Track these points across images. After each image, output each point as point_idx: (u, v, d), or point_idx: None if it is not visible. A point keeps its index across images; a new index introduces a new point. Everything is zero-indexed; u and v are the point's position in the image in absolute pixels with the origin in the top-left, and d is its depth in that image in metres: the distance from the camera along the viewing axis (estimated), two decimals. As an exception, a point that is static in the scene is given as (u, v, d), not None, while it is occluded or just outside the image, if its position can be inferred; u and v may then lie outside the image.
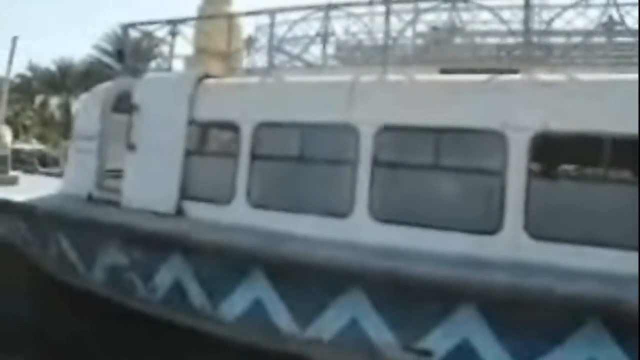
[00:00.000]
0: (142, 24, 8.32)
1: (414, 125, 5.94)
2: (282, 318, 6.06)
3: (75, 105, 39.41)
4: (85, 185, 8.03)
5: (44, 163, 20.98)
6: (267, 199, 6.60)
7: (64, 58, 38.69)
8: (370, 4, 6.85)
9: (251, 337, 6.27)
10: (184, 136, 7.07)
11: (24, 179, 10.15)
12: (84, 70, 37.37)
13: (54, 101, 38.36)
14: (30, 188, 9.31)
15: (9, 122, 37.26)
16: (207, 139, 7.22)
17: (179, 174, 7.04)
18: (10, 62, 13.59)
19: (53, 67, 39.00)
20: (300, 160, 6.45)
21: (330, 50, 7.88)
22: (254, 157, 6.67)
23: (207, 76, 7.41)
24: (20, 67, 43.40)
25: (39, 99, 38.75)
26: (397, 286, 5.29)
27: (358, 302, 5.59)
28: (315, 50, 7.67)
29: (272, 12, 7.18)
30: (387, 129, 6.03)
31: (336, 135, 6.32)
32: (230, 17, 7.51)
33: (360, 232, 5.93)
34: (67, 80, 37.64)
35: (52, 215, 7.77)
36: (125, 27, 8.30)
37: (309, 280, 5.75)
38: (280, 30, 7.51)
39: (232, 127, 6.84)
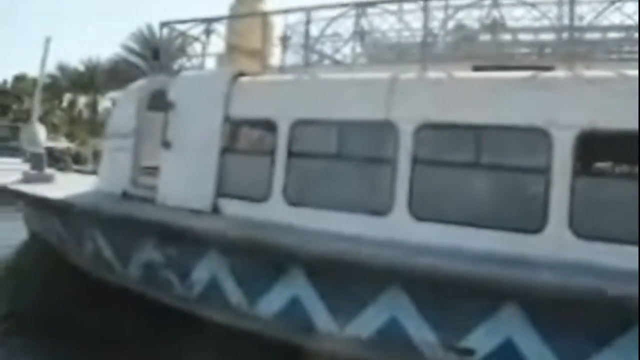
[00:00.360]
0: (177, 22, 8.34)
1: (455, 122, 5.87)
2: (321, 316, 6.03)
3: (102, 104, 40.07)
4: (120, 182, 8.10)
5: (77, 161, 21.25)
6: (304, 197, 6.58)
7: (92, 58, 39.24)
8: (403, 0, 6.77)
9: (288, 335, 6.26)
10: (220, 133, 7.09)
11: (59, 176, 10.28)
12: (110, 69, 37.81)
13: (82, 100, 38.92)
14: (65, 185, 9.44)
15: (39, 120, 37.99)
16: (242, 136, 7.23)
17: (214, 171, 7.06)
18: (43, 62, 13.85)
19: (81, 67, 39.53)
20: (338, 157, 6.42)
21: (358, 48, 7.87)
22: (291, 154, 6.65)
23: (242, 74, 7.42)
24: (49, 66, 44.16)
25: (67, 98, 39.33)
26: (438, 285, 5.22)
27: (398, 300, 5.54)
28: (344, 49, 7.73)
29: (307, 10, 7.15)
30: (427, 126, 5.97)
31: (375, 132, 6.28)
32: (265, 15, 7.52)
33: (399, 230, 5.87)
34: (95, 79, 38.12)
35: (88, 213, 7.85)
36: (161, 26, 8.33)
37: (348, 279, 5.71)
38: (312, 28, 7.54)
39: (268, 125, 6.83)
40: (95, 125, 37.86)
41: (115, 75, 36.19)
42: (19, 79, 44.34)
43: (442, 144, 6.11)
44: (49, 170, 10.06)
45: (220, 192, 7.05)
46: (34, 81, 44.32)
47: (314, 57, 7.91)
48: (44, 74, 16.42)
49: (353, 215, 6.15)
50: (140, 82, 8.72)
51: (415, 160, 5.95)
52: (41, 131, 11.03)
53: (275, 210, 6.63)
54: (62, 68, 41.40)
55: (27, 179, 9.50)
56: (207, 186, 7.07)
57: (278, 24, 8.49)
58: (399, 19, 7.07)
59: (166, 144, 7.45)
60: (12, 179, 9.93)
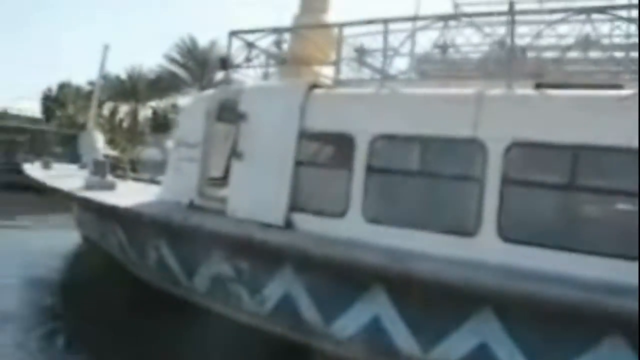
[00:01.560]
0: (246, 32, 8.25)
1: (547, 142, 5.60)
2: (403, 338, 5.81)
3: (143, 113, 40.58)
4: (187, 192, 8.01)
5: (133, 169, 21.49)
6: (383, 214, 6.37)
7: (134, 67, 39.75)
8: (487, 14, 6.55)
9: (366, 356, 6.06)
10: (294, 146, 6.93)
11: (120, 184, 10.27)
12: (153, 79, 38.31)
13: (123, 109, 39.45)
14: (127, 193, 9.41)
15: (80, 127, 38.60)
16: (318, 149, 7.06)
17: (288, 184, 6.90)
18: (101, 69, 14.02)
19: (124, 76, 40.10)
20: (421, 174, 6.22)
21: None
22: (370, 169, 6.45)
23: (316, 86, 7.27)
24: (92, 75, 44.96)
25: (108, 106, 39.90)
26: (535, 311, 4.97)
27: (489, 325, 5.29)
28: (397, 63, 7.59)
29: (385, 21, 6.97)
30: (518, 145, 5.71)
31: (461, 150, 6.05)
32: (341, 26, 7.34)
33: (487, 251, 5.61)
34: (137, 88, 38.65)
35: (155, 222, 7.77)
36: (230, 35, 8.25)
37: (435, 300, 5.49)
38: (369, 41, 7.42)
39: (346, 139, 6.65)
40: (133, 134, 38.32)
41: (157, 85, 36.74)
42: (64, 86, 45.17)
43: (534, 164, 5.85)
44: (110, 178, 10.02)
45: (294, 206, 6.89)
46: (78, 89, 45.45)
47: (366, 72, 7.77)
48: (100, 81, 16.62)
49: (437, 234, 5.91)
50: (208, 92, 8.65)
51: (505, 180, 5.69)
52: (99, 138, 11.06)
53: (353, 227, 6.42)
54: (104, 77, 42.15)
55: (89, 186, 9.49)
56: (280, 200, 6.92)
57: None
58: (478, 32, 6.79)
59: (238, 155, 7.33)
60: (75, 185, 9.96)
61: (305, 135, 6.95)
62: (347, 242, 6.24)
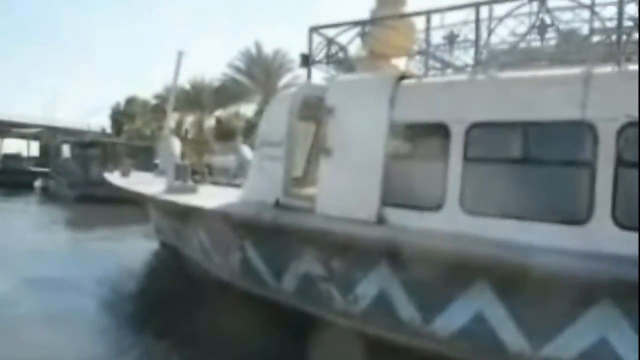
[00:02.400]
0: (326, 27, 8.10)
1: None
2: (510, 334, 5.46)
3: (208, 123, 41.40)
4: (272, 191, 7.90)
5: (210, 174, 21.89)
6: (484, 205, 6.02)
7: (197, 77, 40.66)
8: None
9: (470, 354, 5.73)
10: (385, 139, 6.69)
11: (200, 188, 10.32)
12: (217, 88, 39.04)
13: (189, 119, 40.36)
14: (209, 196, 9.42)
15: (147, 138, 39.71)
16: (410, 141, 6.75)
17: (380, 179, 6.67)
18: (176, 76, 14.20)
19: (187, 86, 41.07)
20: (524, 162, 5.82)
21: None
22: (467, 159, 6.13)
23: (404, 77, 7.02)
24: (157, 88, 46.33)
25: (174, 117, 40.89)
26: None
27: (609, 319, 4.88)
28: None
29: (477, 5, 6.65)
30: (632, 125, 5.27)
31: (568, 134, 5.64)
32: (429, 13, 7.06)
33: (601, 240, 5.18)
34: (202, 98, 39.49)
35: (240, 222, 7.69)
36: (310, 31, 8.12)
37: (548, 294, 5.10)
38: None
39: (440, 129, 6.36)
40: (199, 143, 39.09)
41: (223, 94, 37.39)
42: (130, 101, 46.81)
43: None
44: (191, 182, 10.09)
45: (386, 201, 6.64)
46: (144, 102, 46.95)
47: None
48: (175, 87, 16.90)
49: (544, 224, 5.53)
50: (290, 90, 8.55)
51: (619, 163, 5.26)
52: (177, 144, 11.16)
53: (451, 220, 6.12)
54: (168, 89, 43.29)
55: (171, 190, 9.57)
56: (372, 195, 6.69)
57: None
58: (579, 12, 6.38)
59: (326, 151, 7.15)
60: (156, 189, 10.08)
61: (395, 128, 6.69)
62: (445, 235, 5.94)
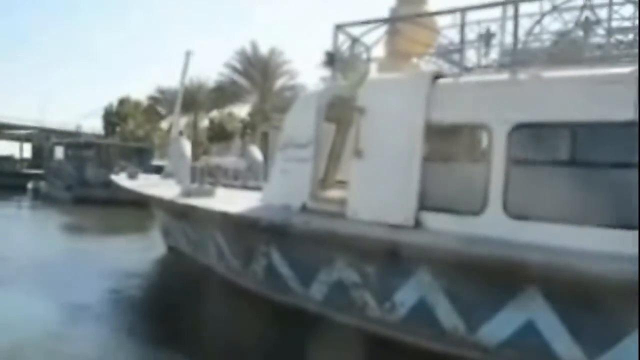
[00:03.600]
0: (352, 24, 7.85)
1: None
2: (563, 344, 5.25)
3: (203, 122, 41.00)
4: (298, 195, 7.63)
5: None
6: (530, 209, 5.79)
7: (193, 78, 40.22)
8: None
9: (519, 365, 5.51)
10: (421, 141, 6.45)
11: (218, 191, 10.01)
12: (213, 88, 38.64)
13: (183, 120, 39.96)
14: (228, 200, 9.13)
15: (139, 139, 39.20)
16: (447, 143, 6.52)
17: (416, 182, 6.43)
18: (183, 75, 13.90)
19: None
20: (574, 164, 5.61)
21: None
22: (511, 161, 5.92)
23: (440, 76, 6.79)
24: (150, 89, 45.77)
25: (168, 119, 40.52)
26: None
27: None
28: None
29: (515, 2, 6.44)
30: None
31: (619, 135, 5.44)
32: (464, 10, 6.84)
33: None
34: (196, 99, 39.07)
35: (267, 227, 7.42)
36: (336, 28, 7.86)
37: (603, 303, 4.89)
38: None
39: (481, 130, 6.15)
40: (195, 145, 38.72)
41: (219, 94, 36.98)
42: (123, 102, 46.22)
43: None
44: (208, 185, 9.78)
45: (423, 204, 6.40)
46: (137, 103, 46.43)
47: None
48: (183, 87, 16.59)
49: (596, 229, 5.32)
50: (316, 89, 8.28)
51: None
52: (188, 146, 10.84)
53: (494, 224, 5.89)
54: (161, 91, 42.97)
55: (187, 193, 9.25)
56: (408, 198, 6.44)
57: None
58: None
59: (358, 153, 6.90)
60: (171, 193, 9.77)
61: (432, 129, 6.45)
62: (488, 240, 5.72)
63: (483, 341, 5.73)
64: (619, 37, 6.27)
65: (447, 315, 5.94)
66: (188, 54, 13.43)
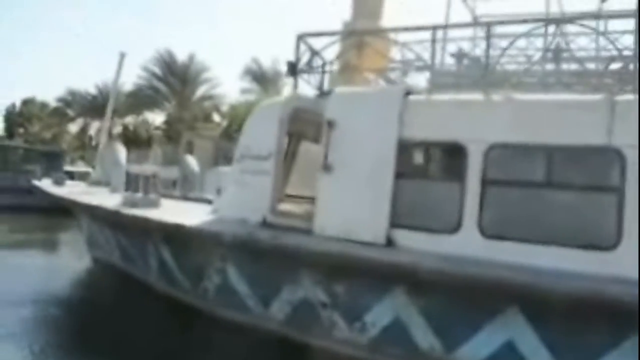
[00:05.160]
0: (317, 34, 7.67)
1: None
2: None
3: (117, 129, 39.14)
4: (256, 209, 7.28)
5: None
6: (505, 229, 5.84)
7: (106, 82, 38.34)
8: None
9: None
10: (394, 157, 6.35)
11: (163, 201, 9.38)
12: (130, 93, 36.97)
13: (95, 125, 38.01)
14: (175, 211, 8.58)
15: (46, 142, 36.83)
16: (421, 160, 6.47)
17: (388, 199, 6.30)
18: (117, 78, 13.11)
19: (94, 91, 38.66)
20: (549, 186, 5.71)
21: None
22: (486, 181, 5.94)
23: (409, 92, 6.73)
24: (60, 91, 43.12)
25: (78, 122, 38.38)
26: None
27: None
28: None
29: (488, 25, 6.53)
30: None
31: (595, 158, 5.61)
32: (435, 28, 6.83)
33: (629, 266, 5.15)
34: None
35: (226, 242, 7.00)
36: (299, 38, 7.64)
37: (584, 321, 4.98)
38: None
39: (456, 149, 6.12)
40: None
41: (136, 99, 35.44)
42: (27, 102, 43.26)
43: None
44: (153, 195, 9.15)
45: (395, 222, 6.28)
46: (42, 105, 43.61)
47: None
48: (116, 89, 15.67)
49: (570, 249, 5.43)
50: (277, 100, 7.98)
51: None
52: (122, 151, 10.17)
53: (468, 243, 5.87)
54: (72, 93, 40.58)
55: (133, 203, 8.61)
56: (380, 215, 6.31)
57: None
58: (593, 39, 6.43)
59: (327, 168, 6.68)
60: (110, 202, 9.07)
61: (405, 145, 6.37)
62: (464, 260, 5.68)
63: None
64: (589, 65, 6.50)
65: (423, 335, 5.83)
66: (122, 55, 12.71)
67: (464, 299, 5.53)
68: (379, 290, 6.02)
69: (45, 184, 12.88)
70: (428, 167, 6.46)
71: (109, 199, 9.58)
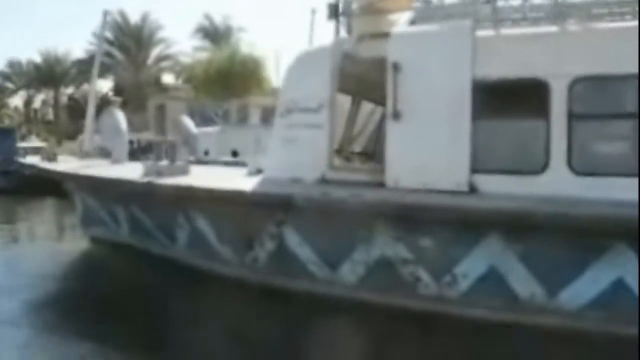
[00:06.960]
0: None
1: None
2: None
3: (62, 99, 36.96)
4: (312, 166, 6.79)
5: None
6: (597, 164, 5.64)
7: (50, 49, 35.80)
8: None
9: (604, 326, 5.27)
10: (469, 98, 5.97)
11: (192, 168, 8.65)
12: (79, 60, 34.78)
13: (40, 97, 35.73)
14: (208, 177, 7.95)
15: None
16: (499, 99, 6.07)
17: (467, 143, 5.95)
18: (101, 38, 12.12)
19: (38, 60, 36.04)
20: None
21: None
22: (572, 117, 5.66)
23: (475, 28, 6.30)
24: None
25: (21, 96, 35.97)
26: None
27: None
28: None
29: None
30: None
31: None
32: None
33: None
34: (55, 73, 34.88)
35: (289, 204, 6.43)
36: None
37: None
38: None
39: (536, 84, 5.80)
40: (56, 126, 34.78)
41: (86, 67, 33.36)
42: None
43: None
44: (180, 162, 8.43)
45: (476, 167, 5.95)
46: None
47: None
48: (102, 51, 14.53)
49: None
50: (324, 45, 7.34)
51: None
52: (122, 118, 9.35)
53: (558, 183, 5.63)
54: (12, 64, 37.84)
55: (158, 172, 7.91)
56: (460, 161, 5.97)
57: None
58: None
59: (396, 115, 6.23)
60: (130, 174, 8.31)
61: (480, 85, 5.99)
62: (554, 199, 5.45)
63: (565, 306, 5.46)
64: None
65: (523, 282, 5.58)
66: (105, 14, 11.69)
67: (567, 240, 5.29)
68: (470, 239, 5.71)
69: (39, 162, 11.82)
70: (507, 106, 6.07)
71: (119, 171, 8.81)
